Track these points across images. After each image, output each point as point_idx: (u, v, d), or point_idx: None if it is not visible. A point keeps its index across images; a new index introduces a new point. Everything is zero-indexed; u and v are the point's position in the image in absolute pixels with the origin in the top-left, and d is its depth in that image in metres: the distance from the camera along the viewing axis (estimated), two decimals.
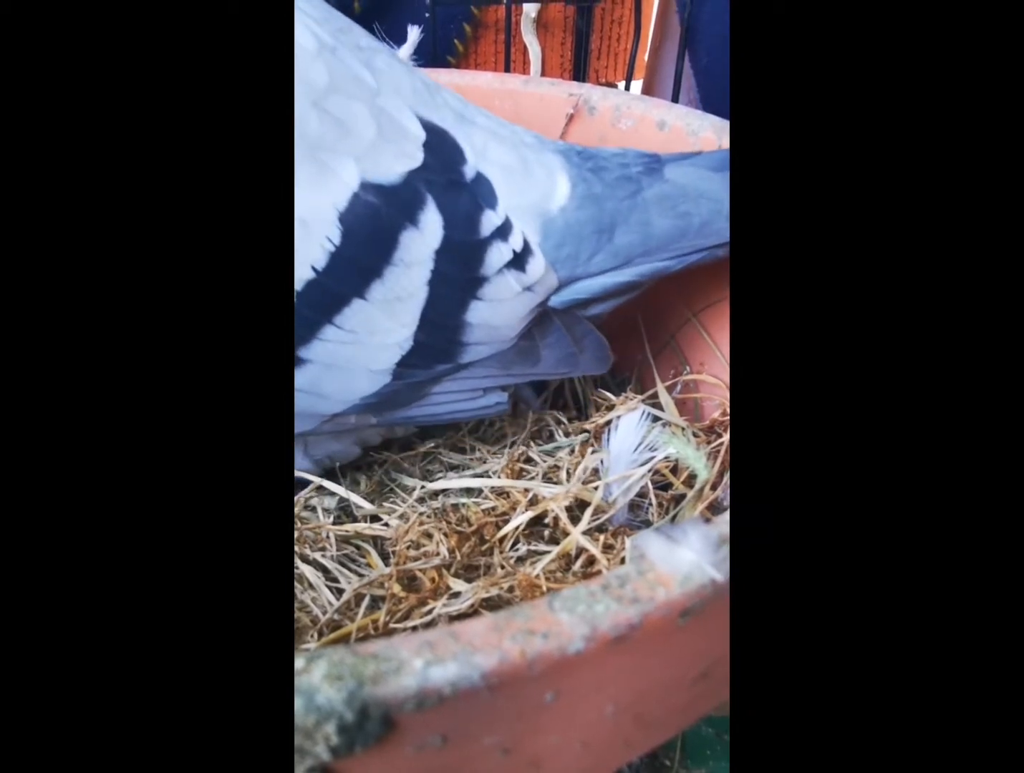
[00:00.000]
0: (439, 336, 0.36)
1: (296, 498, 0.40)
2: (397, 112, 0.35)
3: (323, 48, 0.33)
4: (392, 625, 0.33)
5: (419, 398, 0.37)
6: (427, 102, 0.37)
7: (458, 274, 0.35)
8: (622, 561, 0.36)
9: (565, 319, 0.40)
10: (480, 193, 0.36)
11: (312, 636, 0.33)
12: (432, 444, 0.45)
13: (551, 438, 0.45)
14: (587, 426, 0.44)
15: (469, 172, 0.36)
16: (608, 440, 0.41)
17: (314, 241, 0.32)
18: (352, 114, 0.33)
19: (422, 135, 0.35)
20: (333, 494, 0.40)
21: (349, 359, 0.34)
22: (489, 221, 0.36)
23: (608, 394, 0.47)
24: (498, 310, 0.37)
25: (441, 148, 0.35)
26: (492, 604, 0.34)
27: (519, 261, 0.37)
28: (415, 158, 0.34)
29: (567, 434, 0.45)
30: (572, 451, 0.43)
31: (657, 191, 0.39)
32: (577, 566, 0.36)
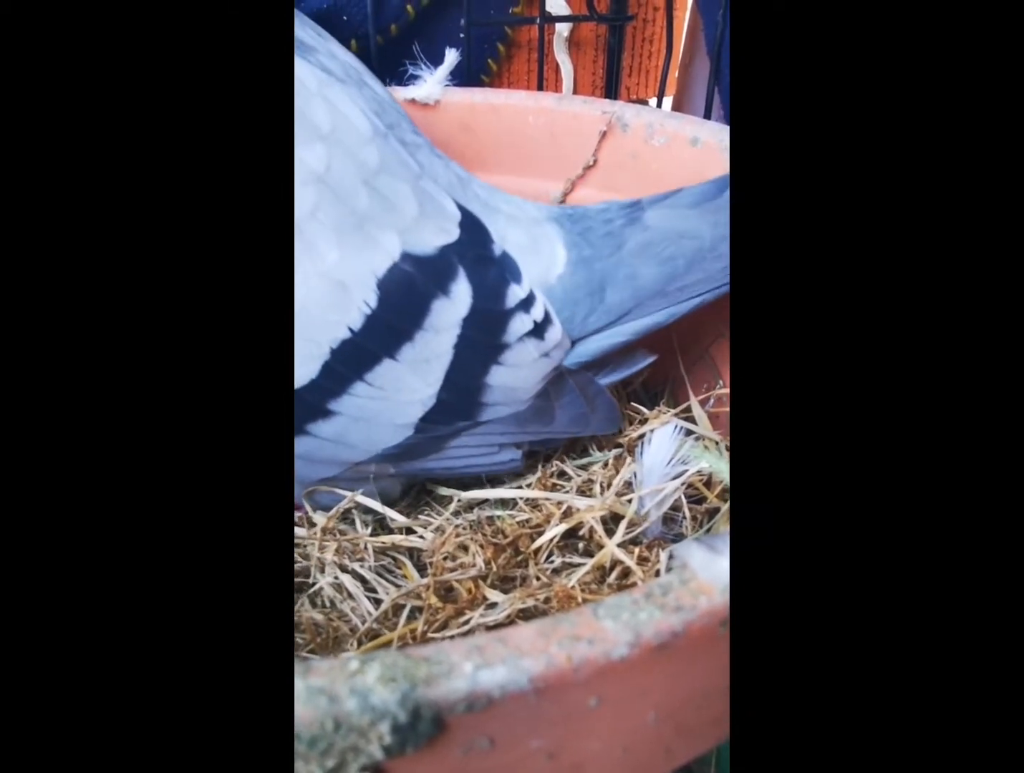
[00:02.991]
0: (461, 396, 0.38)
1: (334, 510, 0.40)
2: (436, 194, 0.38)
3: (376, 133, 0.36)
4: (430, 635, 0.34)
5: (437, 451, 0.39)
6: (460, 193, 0.40)
7: (482, 340, 0.38)
8: (657, 574, 0.36)
9: (579, 380, 0.42)
10: (507, 268, 0.39)
11: (352, 645, 0.34)
12: None
13: (584, 452, 0.46)
14: (620, 440, 0.45)
15: (497, 250, 0.39)
16: (641, 454, 0.41)
17: (353, 304, 0.34)
18: (397, 193, 0.36)
19: (458, 214, 0.38)
20: (369, 509, 0.40)
21: (376, 413, 0.36)
22: (514, 294, 0.39)
23: (641, 408, 0.47)
24: (517, 374, 0.39)
25: (473, 227, 0.39)
26: (528, 615, 0.34)
27: (539, 330, 0.39)
28: (451, 233, 0.37)
29: (600, 448, 0.45)
30: (605, 465, 0.43)
31: (640, 240, 0.41)
32: (612, 578, 0.36)
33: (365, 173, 0.35)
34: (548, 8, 0.69)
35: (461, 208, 0.38)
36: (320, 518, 0.40)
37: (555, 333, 0.40)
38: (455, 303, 0.37)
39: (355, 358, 0.35)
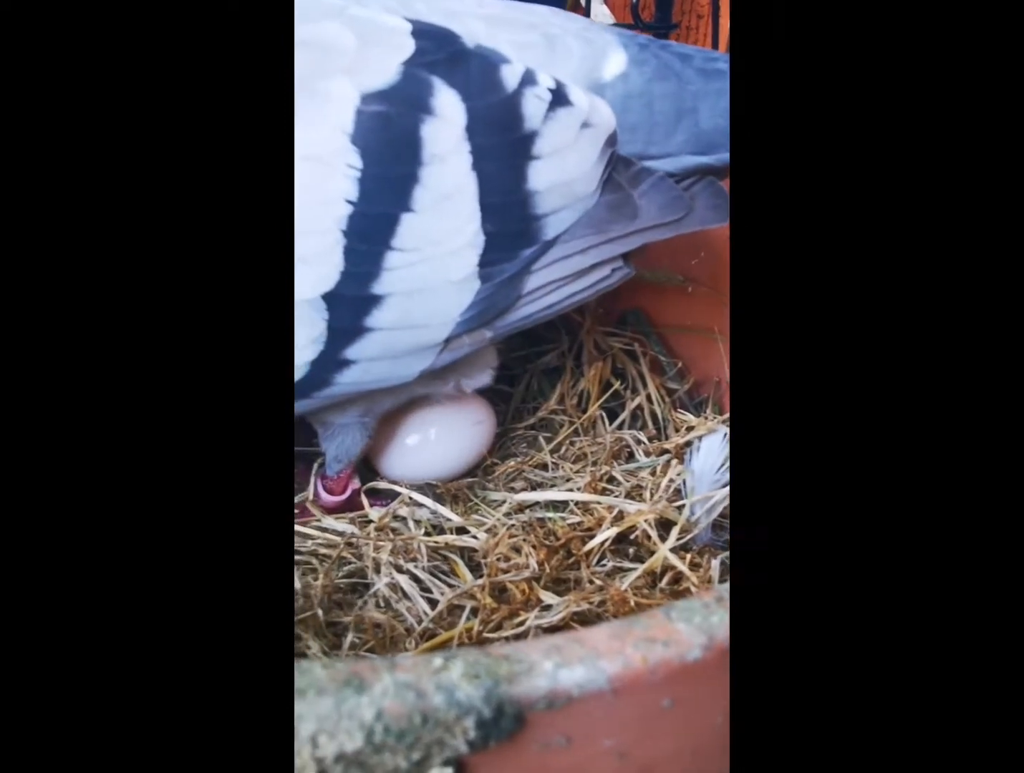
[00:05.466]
0: (509, 219, 0.33)
1: (387, 509, 0.41)
2: (371, 16, 0.32)
3: None
4: (485, 635, 0.34)
5: (520, 295, 0.35)
6: (403, 10, 0.34)
7: (500, 142, 0.32)
8: (709, 580, 0.36)
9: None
10: (488, 54, 0.33)
11: (409, 644, 0.34)
12: (515, 462, 0.46)
13: (631, 458, 0.46)
14: (668, 446, 0.45)
15: (469, 42, 0.33)
16: (690, 460, 0.42)
17: (336, 173, 0.30)
18: (326, 32, 0.31)
19: (407, 25, 0.32)
20: (422, 505, 0.41)
21: (427, 278, 0.32)
22: (512, 72, 0.33)
23: (687, 414, 0.48)
24: (564, 161, 0.33)
25: (431, 33, 0.33)
26: (583, 618, 0.35)
27: (560, 97, 0.33)
28: (405, 48, 0.32)
29: (648, 454, 0.46)
30: (654, 472, 0.44)
31: None
32: (663, 583, 0.37)
33: None
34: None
35: (409, 20, 0.33)
36: (375, 514, 0.40)
37: (579, 94, 0.34)
38: (446, 118, 0.31)
39: (370, 228, 0.31)
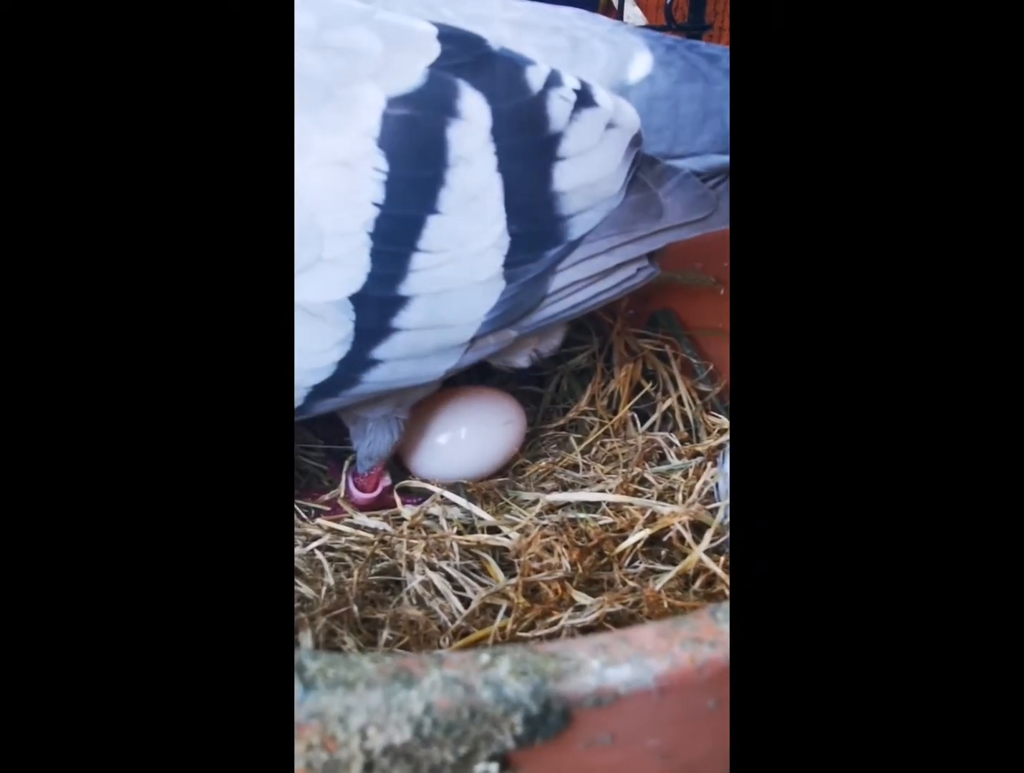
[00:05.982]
0: (534, 220, 0.33)
1: (419, 508, 0.41)
2: (398, 20, 0.33)
3: None
4: (519, 634, 0.34)
5: (546, 294, 0.35)
6: (430, 15, 0.34)
7: (526, 143, 0.33)
8: None
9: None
10: (513, 55, 0.33)
11: (443, 642, 0.34)
12: (546, 463, 0.46)
13: (663, 460, 0.46)
14: (700, 449, 0.45)
15: (495, 45, 0.33)
16: (722, 463, 0.42)
17: (363, 177, 0.31)
18: (352, 38, 0.32)
19: (433, 29, 0.33)
20: (455, 504, 0.41)
21: (452, 279, 0.33)
22: (537, 74, 0.33)
23: (719, 417, 0.48)
24: (589, 163, 0.34)
25: (456, 37, 0.33)
26: (616, 619, 0.35)
27: (585, 98, 0.33)
28: (431, 51, 0.32)
29: (679, 456, 0.45)
30: (686, 474, 0.44)
31: None
32: (697, 585, 0.37)
33: (307, 39, 0.30)
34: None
35: (435, 24, 0.33)
36: (407, 512, 0.41)
37: (605, 96, 0.34)
38: (471, 120, 0.32)
39: (396, 230, 0.31)
